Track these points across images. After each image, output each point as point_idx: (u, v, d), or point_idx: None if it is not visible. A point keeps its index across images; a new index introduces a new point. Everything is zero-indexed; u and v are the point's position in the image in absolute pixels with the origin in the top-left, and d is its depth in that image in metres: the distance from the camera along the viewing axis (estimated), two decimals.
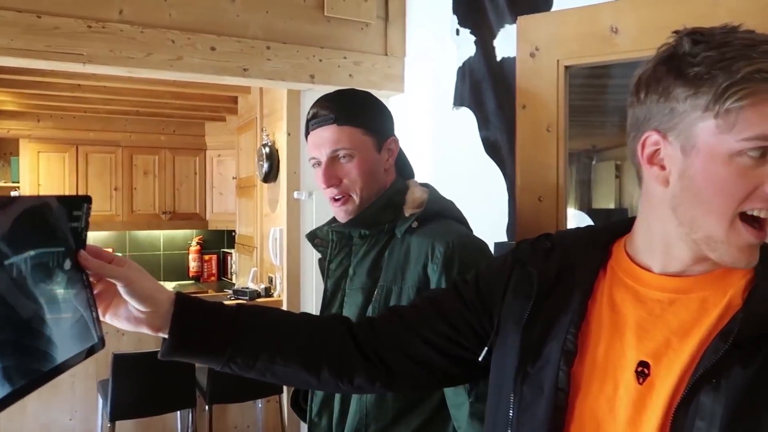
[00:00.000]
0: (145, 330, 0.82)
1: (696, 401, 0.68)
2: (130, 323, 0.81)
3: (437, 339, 0.90)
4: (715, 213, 0.70)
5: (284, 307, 2.91)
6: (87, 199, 0.75)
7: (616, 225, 0.88)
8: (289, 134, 2.94)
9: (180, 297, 0.84)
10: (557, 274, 0.84)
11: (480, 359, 0.87)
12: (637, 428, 0.72)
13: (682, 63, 0.70)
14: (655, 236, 0.78)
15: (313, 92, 2.55)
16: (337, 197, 1.16)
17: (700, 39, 0.69)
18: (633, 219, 0.84)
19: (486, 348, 0.87)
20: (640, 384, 0.73)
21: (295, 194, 2.87)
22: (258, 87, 3.41)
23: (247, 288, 3.39)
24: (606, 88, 1.76)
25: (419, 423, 1.15)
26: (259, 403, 3.11)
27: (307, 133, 1.19)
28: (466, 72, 2.17)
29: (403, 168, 1.25)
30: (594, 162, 3.07)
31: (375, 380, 0.91)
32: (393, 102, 2.68)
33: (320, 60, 2.36)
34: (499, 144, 2.03)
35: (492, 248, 1.52)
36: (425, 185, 1.25)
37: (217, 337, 0.85)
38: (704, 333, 0.72)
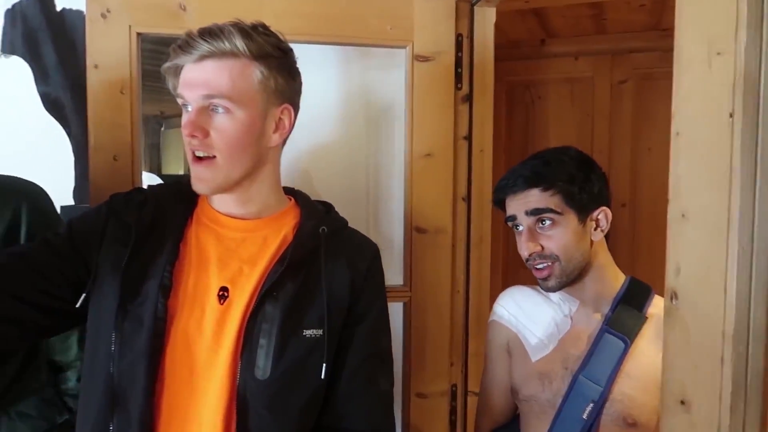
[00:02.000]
0: None
1: (262, 310, 0.90)
2: None
3: (27, 292, 0.89)
4: None
5: None
6: None
7: None
8: None
9: None
10: (151, 223, 0.95)
11: (78, 306, 0.90)
12: (220, 338, 0.90)
13: None
14: None
15: None
16: None
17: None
18: None
19: (84, 294, 0.90)
20: (222, 305, 0.91)
21: None
22: None
23: None
24: None
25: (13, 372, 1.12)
26: None
27: None
28: (17, 16, 1.93)
29: None
30: (163, 128, 3.15)
31: None
32: None
33: None
34: (62, 102, 1.90)
35: (59, 212, 1.47)
36: None
37: None
38: (267, 261, 0.94)
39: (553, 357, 1.12)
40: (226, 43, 0.89)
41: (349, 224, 1.08)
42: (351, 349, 0.98)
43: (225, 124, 0.91)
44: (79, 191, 1.89)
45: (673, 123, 0.68)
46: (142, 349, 0.87)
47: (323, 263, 0.96)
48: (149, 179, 1.99)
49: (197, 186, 0.94)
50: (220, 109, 0.90)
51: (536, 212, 1.08)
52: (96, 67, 1.25)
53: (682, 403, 0.66)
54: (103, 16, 1.24)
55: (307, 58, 1.03)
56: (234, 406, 0.89)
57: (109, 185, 1.24)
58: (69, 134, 1.90)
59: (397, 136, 1.75)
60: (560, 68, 2.43)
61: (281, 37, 0.97)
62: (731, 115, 0.60)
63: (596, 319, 1.11)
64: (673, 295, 0.68)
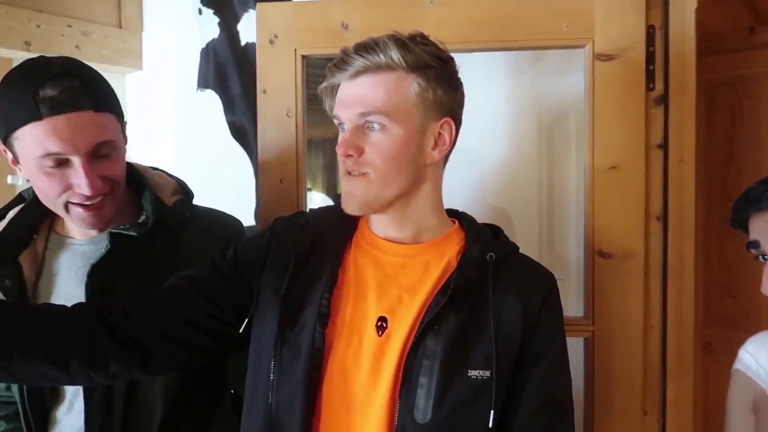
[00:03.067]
0: None
1: (423, 345, 0.82)
2: None
3: (196, 316, 0.90)
4: None
5: None
6: None
7: None
8: None
9: None
10: (311, 247, 0.92)
11: (240, 331, 0.90)
12: (378, 373, 0.83)
13: None
14: None
15: None
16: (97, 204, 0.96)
17: None
18: None
19: (246, 319, 0.90)
20: (380, 336, 0.85)
21: (10, 179, 2.47)
22: None
23: None
24: None
25: (206, 403, 1.15)
26: None
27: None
28: (210, 54, 2.13)
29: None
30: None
31: (132, 366, 0.87)
32: (130, 80, 2.49)
33: (38, 26, 2.06)
34: (246, 128, 2.05)
35: None
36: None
37: None
38: (428, 290, 0.86)
39: None
40: (381, 56, 0.83)
41: (520, 245, 0.96)
42: (524, 395, 0.85)
43: (380, 140, 0.85)
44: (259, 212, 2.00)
45: None
46: (300, 381, 0.83)
47: (491, 294, 0.85)
48: (323, 200, 2.04)
49: (346, 203, 0.88)
50: (376, 126, 0.85)
51: None
52: (264, 92, 1.29)
53: None
54: (271, 42, 1.27)
55: (472, 67, 0.94)
56: None
57: (276, 207, 1.27)
58: (251, 158, 2.03)
59: (573, 147, 1.59)
60: None
61: (441, 45, 0.89)
62: None
63: None
64: None
